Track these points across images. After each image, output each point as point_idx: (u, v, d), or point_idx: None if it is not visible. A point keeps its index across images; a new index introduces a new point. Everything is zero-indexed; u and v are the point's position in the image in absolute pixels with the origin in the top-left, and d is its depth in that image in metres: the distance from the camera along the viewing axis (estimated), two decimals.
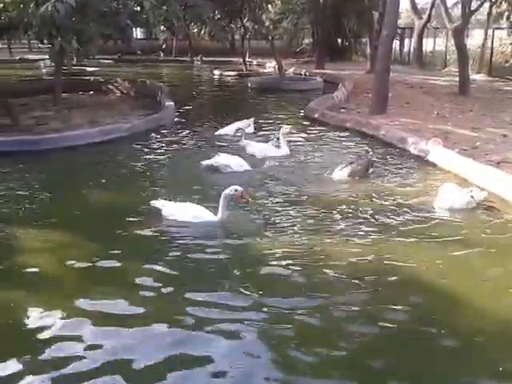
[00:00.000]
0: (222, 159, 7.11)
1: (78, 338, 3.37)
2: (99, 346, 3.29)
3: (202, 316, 3.62)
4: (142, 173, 7.28)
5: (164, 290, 3.99)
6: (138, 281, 4.12)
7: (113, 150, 8.40)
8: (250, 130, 9.08)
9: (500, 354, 3.32)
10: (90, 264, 4.40)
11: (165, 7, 11.16)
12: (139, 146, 8.75)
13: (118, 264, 4.42)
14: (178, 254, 4.62)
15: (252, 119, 9.58)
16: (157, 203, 5.40)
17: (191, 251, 4.65)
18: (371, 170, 7.06)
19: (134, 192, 6.43)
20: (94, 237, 4.95)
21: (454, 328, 3.56)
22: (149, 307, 3.74)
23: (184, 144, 9.08)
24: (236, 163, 7.12)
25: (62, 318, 3.58)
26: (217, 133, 9.47)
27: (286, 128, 8.12)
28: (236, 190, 5.25)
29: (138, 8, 11.11)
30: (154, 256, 4.57)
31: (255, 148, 8.11)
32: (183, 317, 3.63)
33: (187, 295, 3.90)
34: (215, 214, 5.27)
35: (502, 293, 4.02)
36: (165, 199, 5.48)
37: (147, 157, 8.11)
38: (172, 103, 11.89)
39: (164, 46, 28.76)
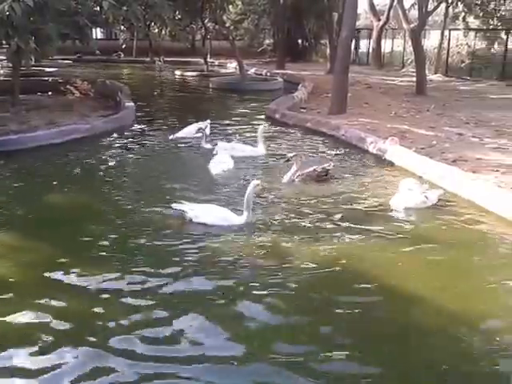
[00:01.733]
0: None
1: None
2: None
3: None
4: (101, 175, 7.19)
5: None
6: None
7: (72, 152, 8.24)
8: (207, 131, 9.05)
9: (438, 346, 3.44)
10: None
11: (124, 7, 11.03)
12: (98, 147, 8.65)
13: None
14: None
15: (208, 121, 9.47)
16: (180, 206, 5.29)
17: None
18: (327, 181, 6.77)
19: (94, 193, 6.35)
20: (55, 242, 4.86)
21: (405, 322, 3.67)
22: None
23: (144, 145, 9.01)
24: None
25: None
26: (176, 135, 9.32)
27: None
28: (258, 185, 5.27)
29: (98, 8, 10.96)
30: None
31: (235, 148, 8.11)
32: None
33: None
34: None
35: (450, 288, 4.12)
36: (181, 202, 5.37)
37: (107, 158, 8.01)
38: (132, 104, 11.79)
39: (124, 47, 28.39)
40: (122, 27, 16.08)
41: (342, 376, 3.12)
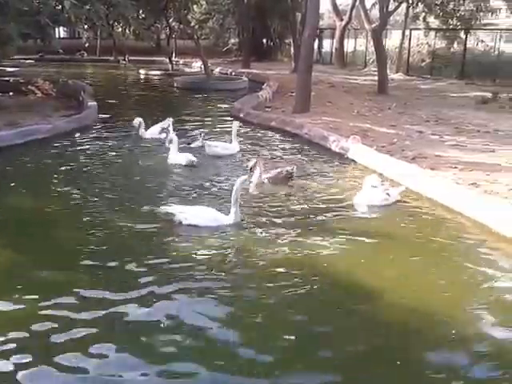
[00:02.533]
0: None
1: None
2: None
3: None
4: (63, 176, 7.08)
5: None
6: None
7: (32, 153, 8.10)
8: (170, 130, 9.03)
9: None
10: None
11: (87, 7, 10.90)
12: (59, 148, 8.52)
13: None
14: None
15: (170, 119, 9.42)
16: (169, 208, 5.24)
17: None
18: (291, 182, 6.71)
19: (55, 195, 6.26)
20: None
21: (365, 315, 3.77)
22: None
23: (106, 145, 8.91)
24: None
25: None
26: (142, 137, 9.25)
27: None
28: (246, 180, 5.29)
29: (59, 7, 10.79)
30: None
31: (218, 146, 8.21)
32: None
33: None
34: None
35: (410, 283, 4.25)
36: (171, 204, 5.35)
37: (68, 159, 7.90)
38: (95, 103, 11.65)
39: (87, 46, 27.94)
40: (85, 26, 15.80)
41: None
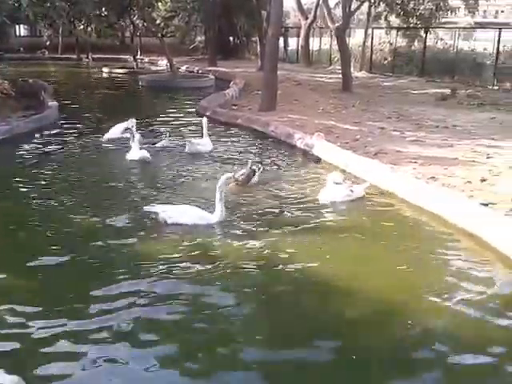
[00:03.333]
0: None
1: None
2: None
3: None
4: (21, 177, 6.92)
5: None
6: None
7: None
8: (134, 130, 8.94)
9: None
10: None
11: (47, 4, 10.70)
12: (19, 149, 8.36)
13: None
14: None
15: (133, 119, 9.25)
16: (152, 208, 5.17)
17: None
18: (255, 180, 6.60)
19: (15, 197, 6.18)
20: None
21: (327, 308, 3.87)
22: None
23: (67, 146, 8.78)
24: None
25: None
26: (104, 137, 9.09)
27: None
28: (230, 177, 5.28)
29: (17, 5, 10.56)
30: None
31: (201, 144, 8.23)
32: None
33: None
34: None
35: (372, 276, 4.35)
36: (156, 204, 5.29)
37: (27, 160, 7.78)
38: (56, 103, 11.47)
39: (49, 44, 27.45)
40: (45, 24, 15.49)
41: None
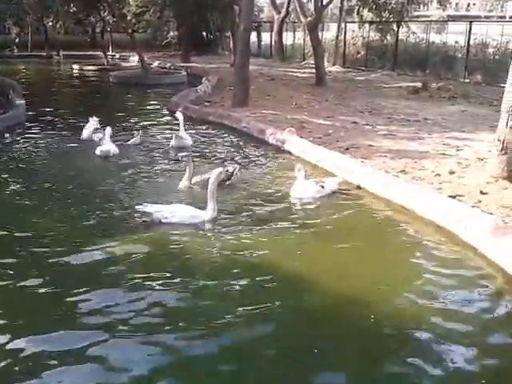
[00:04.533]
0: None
1: None
2: None
3: None
4: None
5: None
6: None
7: None
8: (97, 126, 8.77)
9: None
10: None
11: (13, 1, 10.45)
12: None
13: None
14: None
15: (95, 118, 8.98)
16: (145, 208, 5.07)
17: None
18: (228, 182, 6.31)
19: None
20: None
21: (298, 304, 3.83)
22: None
23: (35, 145, 8.55)
24: None
25: None
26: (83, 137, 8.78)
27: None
28: (221, 172, 5.22)
29: None
30: None
31: (186, 138, 8.33)
32: None
33: None
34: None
35: (345, 272, 4.36)
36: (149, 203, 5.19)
37: None
38: (23, 102, 11.22)
39: (18, 41, 26.83)
40: (13, 22, 15.15)
41: None
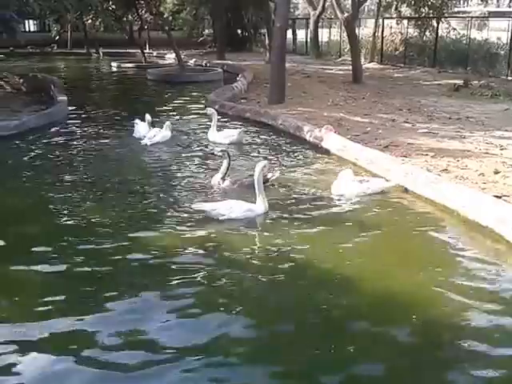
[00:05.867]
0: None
1: None
2: None
3: None
4: (34, 171, 6.91)
5: None
6: None
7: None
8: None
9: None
10: None
11: None
12: (27, 145, 8.31)
13: None
14: None
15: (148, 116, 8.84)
16: (202, 206, 5.17)
17: None
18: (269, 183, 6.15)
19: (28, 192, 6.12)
20: None
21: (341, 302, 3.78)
22: None
23: (77, 140, 8.72)
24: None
25: None
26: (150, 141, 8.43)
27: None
28: (265, 166, 5.26)
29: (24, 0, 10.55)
30: None
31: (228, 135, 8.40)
32: None
33: None
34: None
35: (385, 273, 4.27)
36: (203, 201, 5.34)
37: (35, 155, 7.72)
38: (65, 98, 11.44)
39: (58, 38, 27.45)
40: (53, 19, 15.50)
41: None
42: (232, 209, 5.14)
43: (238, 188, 6.04)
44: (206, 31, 29.63)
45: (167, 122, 8.49)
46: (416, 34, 20.85)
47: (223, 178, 6.12)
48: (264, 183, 5.99)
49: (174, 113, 11.50)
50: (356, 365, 3.15)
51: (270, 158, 7.54)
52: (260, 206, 5.22)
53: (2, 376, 3.00)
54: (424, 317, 3.58)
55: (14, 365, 3.08)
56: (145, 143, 8.12)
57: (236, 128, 9.04)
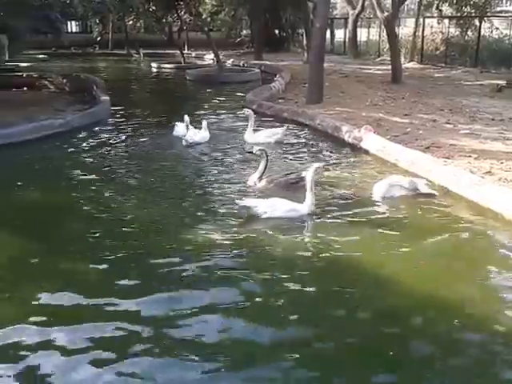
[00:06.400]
0: None
1: None
2: None
3: None
4: (74, 171, 7.07)
5: None
6: None
7: (44, 148, 8.17)
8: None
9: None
10: None
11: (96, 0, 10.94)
12: (71, 143, 8.54)
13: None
14: None
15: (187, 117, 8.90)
16: (247, 202, 5.26)
17: None
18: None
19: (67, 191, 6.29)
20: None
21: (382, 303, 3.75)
22: None
23: (121, 140, 8.89)
24: None
25: None
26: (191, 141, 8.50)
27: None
28: (319, 167, 5.28)
29: (68, 1, 10.85)
30: None
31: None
32: None
33: None
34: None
35: (428, 273, 4.23)
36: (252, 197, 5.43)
37: (80, 154, 7.93)
38: (107, 98, 11.67)
39: (99, 39, 28.08)
40: (96, 20, 15.87)
41: None
42: (275, 207, 5.13)
43: (274, 187, 6.04)
44: (244, 32, 29.76)
45: (204, 122, 8.55)
46: (457, 33, 20.44)
47: (260, 178, 6.13)
48: (297, 182, 6.07)
49: (213, 113, 11.58)
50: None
51: (307, 158, 7.57)
52: (306, 206, 5.19)
53: None
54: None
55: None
56: (184, 143, 8.24)
57: (273, 127, 9.06)
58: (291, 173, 6.35)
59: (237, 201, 5.31)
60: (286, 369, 3.09)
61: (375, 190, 5.86)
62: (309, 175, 5.24)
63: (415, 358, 3.25)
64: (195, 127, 8.60)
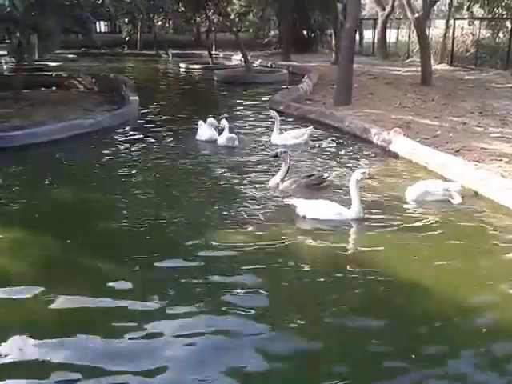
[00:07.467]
0: None
1: None
2: None
3: None
4: (103, 170, 7.17)
5: None
6: None
7: (74, 147, 8.29)
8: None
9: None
10: None
11: (127, 0, 11.06)
12: (101, 143, 8.63)
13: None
14: None
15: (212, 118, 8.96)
16: (291, 201, 5.31)
17: None
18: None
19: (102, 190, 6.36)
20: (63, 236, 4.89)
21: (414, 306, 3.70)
22: None
23: (150, 140, 8.92)
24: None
25: None
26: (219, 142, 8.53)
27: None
28: (364, 173, 5.25)
29: (99, 1, 10.99)
30: None
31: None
32: None
33: None
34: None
35: (456, 278, 4.15)
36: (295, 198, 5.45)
37: (110, 153, 8.00)
38: (136, 98, 11.78)
39: (128, 39, 28.39)
40: (125, 20, 16.06)
41: None
42: (319, 208, 5.12)
43: (297, 188, 6.00)
44: (272, 32, 29.75)
45: (226, 124, 8.39)
46: (488, 35, 20.06)
47: (282, 180, 6.10)
48: (319, 184, 6.11)
49: (240, 113, 11.61)
50: None
51: (335, 160, 7.52)
52: (353, 211, 5.12)
53: None
54: None
55: None
56: (213, 143, 8.24)
57: (300, 128, 9.02)
58: (312, 174, 6.33)
59: (285, 199, 5.36)
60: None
61: (408, 194, 5.78)
62: (353, 180, 5.18)
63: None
64: (220, 127, 8.59)
